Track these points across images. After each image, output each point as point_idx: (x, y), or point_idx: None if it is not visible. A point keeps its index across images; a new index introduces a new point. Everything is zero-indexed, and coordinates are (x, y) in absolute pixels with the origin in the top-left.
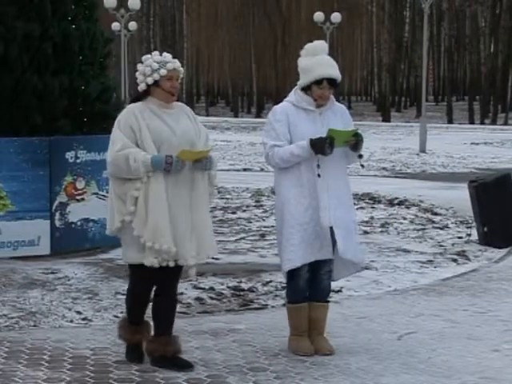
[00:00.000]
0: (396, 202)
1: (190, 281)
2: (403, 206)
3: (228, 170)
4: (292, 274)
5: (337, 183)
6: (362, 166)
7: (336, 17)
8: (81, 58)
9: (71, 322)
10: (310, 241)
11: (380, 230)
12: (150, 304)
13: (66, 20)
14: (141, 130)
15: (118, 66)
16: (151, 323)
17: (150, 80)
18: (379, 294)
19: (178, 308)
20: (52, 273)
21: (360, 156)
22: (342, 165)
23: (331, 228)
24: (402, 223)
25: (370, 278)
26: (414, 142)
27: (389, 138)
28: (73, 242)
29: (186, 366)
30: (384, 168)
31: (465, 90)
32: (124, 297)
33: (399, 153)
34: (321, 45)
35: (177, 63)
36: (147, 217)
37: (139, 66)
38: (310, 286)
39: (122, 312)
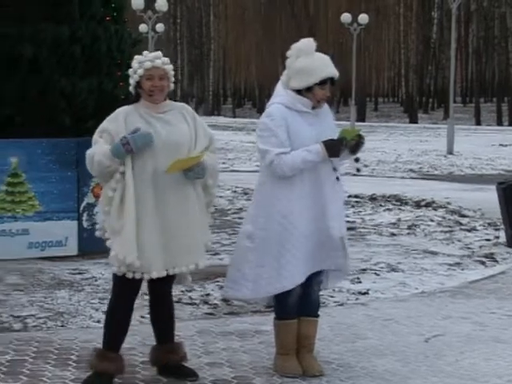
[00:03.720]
0: (423, 203)
1: (183, 287)
2: (430, 208)
3: (254, 172)
4: (286, 290)
5: (333, 189)
6: (358, 169)
7: (363, 18)
8: (109, 59)
9: (98, 322)
10: (315, 252)
11: (407, 231)
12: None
13: (94, 22)
14: (118, 132)
15: None
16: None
17: (132, 82)
18: (406, 296)
19: (206, 309)
20: (79, 273)
21: (356, 159)
22: (333, 170)
23: (341, 238)
24: (429, 225)
25: (397, 280)
26: (442, 143)
27: (416, 139)
28: (100, 242)
29: (191, 374)
30: (411, 170)
31: (493, 92)
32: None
33: (426, 154)
34: (312, 43)
35: (156, 61)
36: (118, 220)
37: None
38: (300, 300)
39: (148, 312)
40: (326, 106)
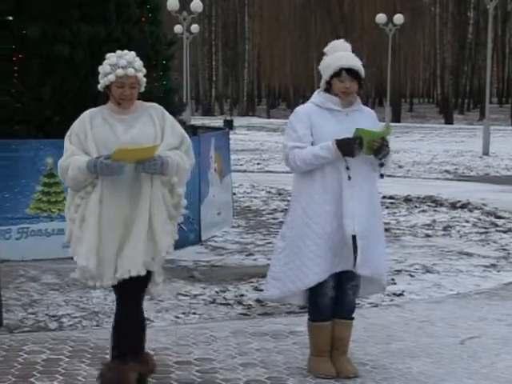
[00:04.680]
0: (459, 205)
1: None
2: (466, 209)
3: (288, 173)
4: (316, 291)
5: (363, 191)
6: (382, 175)
7: (399, 18)
8: (144, 60)
9: None
10: (338, 250)
11: (442, 233)
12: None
13: (129, 23)
14: (86, 137)
15: (180, 68)
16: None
17: (101, 83)
18: (441, 298)
19: (240, 310)
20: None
21: (381, 164)
22: (370, 171)
23: (354, 238)
24: (464, 226)
25: (432, 282)
26: (477, 144)
27: (451, 140)
28: None
29: None
30: (446, 171)
31: None
32: (185, 297)
33: (462, 155)
34: (341, 43)
35: (129, 70)
36: (80, 227)
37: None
38: (334, 303)
39: (183, 313)
40: (368, 110)
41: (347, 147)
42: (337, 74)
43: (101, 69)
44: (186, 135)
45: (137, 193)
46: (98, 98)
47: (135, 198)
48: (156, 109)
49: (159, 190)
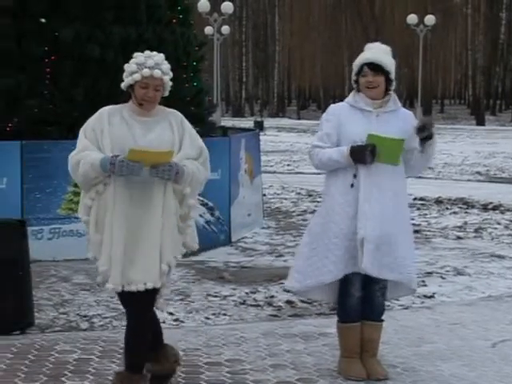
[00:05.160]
0: (490, 206)
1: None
2: (498, 211)
3: (319, 174)
4: (343, 292)
5: (383, 193)
6: (423, 134)
7: (430, 19)
8: (175, 61)
9: (163, 322)
10: (355, 251)
11: (474, 235)
12: None
13: (160, 24)
14: (103, 132)
15: (210, 70)
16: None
17: (125, 82)
18: (473, 300)
19: (270, 311)
20: None
21: (428, 138)
22: (395, 173)
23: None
24: (496, 228)
25: (464, 284)
26: (509, 145)
27: (483, 141)
28: None
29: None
30: (478, 172)
31: None
32: (215, 298)
33: (494, 157)
34: (374, 45)
35: (155, 71)
36: (97, 231)
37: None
38: (362, 304)
39: (213, 314)
40: (405, 112)
41: (358, 154)
42: (360, 70)
43: (127, 67)
44: (205, 147)
45: (148, 198)
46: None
47: (146, 204)
48: (176, 116)
49: (171, 198)
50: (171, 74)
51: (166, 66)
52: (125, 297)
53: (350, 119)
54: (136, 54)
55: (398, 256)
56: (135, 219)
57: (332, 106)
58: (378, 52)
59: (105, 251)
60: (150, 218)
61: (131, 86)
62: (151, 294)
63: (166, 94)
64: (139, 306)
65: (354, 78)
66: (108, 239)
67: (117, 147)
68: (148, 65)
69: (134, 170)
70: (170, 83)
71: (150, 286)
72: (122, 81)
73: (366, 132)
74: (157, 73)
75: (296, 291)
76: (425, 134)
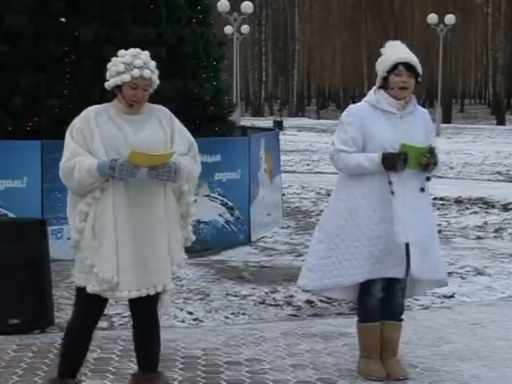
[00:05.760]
0: (511, 206)
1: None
2: None
3: (337, 174)
4: (364, 292)
5: (414, 196)
6: (428, 178)
7: (450, 18)
8: (194, 61)
9: (183, 322)
10: (381, 257)
11: (493, 235)
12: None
13: (180, 24)
14: (93, 135)
15: (230, 69)
16: None
17: (112, 82)
18: (492, 301)
19: (289, 311)
20: None
21: (428, 178)
22: (420, 175)
23: (407, 245)
24: None
25: (483, 284)
26: None
27: (503, 141)
28: None
29: None
30: (498, 172)
31: None
32: (235, 298)
33: None
34: (398, 44)
35: (146, 71)
36: (94, 237)
37: (110, 62)
38: (382, 304)
39: (232, 313)
40: (422, 111)
41: (391, 162)
42: (394, 68)
43: (112, 66)
44: (194, 141)
45: (148, 199)
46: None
47: (147, 204)
48: (164, 112)
49: (171, 196)
50: (157, 72)
51: (153, 63)
52: (94, 300)
53: (374, 122)
54: (122, 53)
55: (435, 256)
56: (138, 221)
57: (352, 106)
58: (409, 52)
59: (109, 258)
60: (153, 219)
61: (118, 86)
62: (156, 297)
63: (152, 91)
64: (99, 312)
65: (383, 74)
66: (111, 245)
67: (110, 150)
68: (137, 64)
69: (133, 173)
70: (158, 81)
71: (167, 287)
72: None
73: (394, 136)
74: (147, 73)
75: (310, 290)
76: (430, 170)
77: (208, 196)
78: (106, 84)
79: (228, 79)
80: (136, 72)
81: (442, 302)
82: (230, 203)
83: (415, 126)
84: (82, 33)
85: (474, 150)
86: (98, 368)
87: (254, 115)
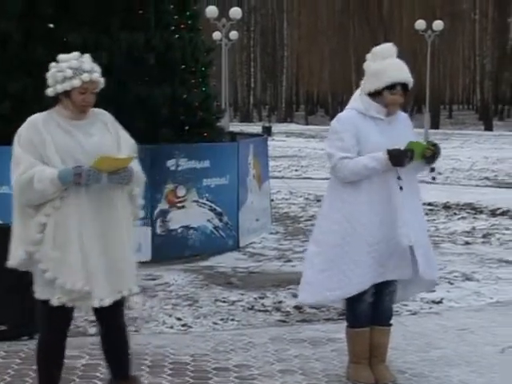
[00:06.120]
0: (498, 212)
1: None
2: (506, 217)
3: (327, 179)
4: (355, 297)
5: (411, 197)
6: (434, 178)
7: (438, 24)
8: (183, 67)
9: (171, 328)
10: (383, 261)
11: (482, 240)
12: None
13: (168, 30)
14: (45, 144)
15: (218, 75)
16: None
17: (59, 88)
18: (481, 306)
19: (278, 316)
20: (152, 279)
21: (432, 169)
22: (414, 176)
23: (410, 246)
24: (504, 234)
25: (472, 290)
26: None
27: (491, 147)
28: (173, 248)
29: None
30: (486, 178)
31: None
32: (223, 304)
33: (502, 162)
34: (389, 48)
35: (95, 74)
36: (55, 247)
37: (52, 67)
38: (372, 309)
39: (221, 319)
40: (403, 115)
41: (399, 158)
42: (390, 87)
43: (56, 72)
44: (135, 144)
45: (109, 203)
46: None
47: (108, 209)
48: (107, 116)
49: (126, 199)
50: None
51: (98, 66)
52: (59, 312)
53: (366, 128)
54: (64, 57)
55: (432, 256)
56: (102, 226)
57: (342, 115)
58: (407, 69)
59: (76, 267)
60: (115, 223)
61: (65, 92)
62: (122, 301)
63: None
64: (68, 322)
65: (378, 89)
66: (76, 254)
67: (66, 157)
68: (86, 69)
69: (99, 179)
70: (103, 83)
71: (135, 290)
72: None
73: (385, 141)
74: (96, 76)
75: (310, 303)
76: (435, 160)
77: (196, 202)
78: (49, 91)
79: (216, 85)
80: (86, 76)
81: (431, 308)
82: (219, 209)
83: (401, 130)
84: (71, 38)
85: (461, 155)
86: (86, 374)
87: (242, 121)
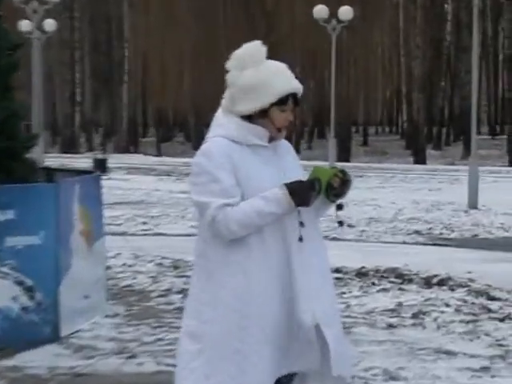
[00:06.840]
0: (435, 281)
1: None
2: (445, 288)
3: (189, 235)
4: None
5: (317, 252)
6: (341, 223)
7: (345, 12)
8: None
9: None
10: (285, 345)
11: (412, 322)
12: None
13: None
14: None
15: (28, 84)
16: None
17: None
18: None
19: None
20: None
21: (339, 206)
22: (317, 222)
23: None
24: (443, 312)
25: None
26: (461, 193)
27: (423, 187)
28: None
29: None
30: (417, 231)
31: None
32: None
33: (439, 209)
34: (258, 48)
35: None
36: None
37: None
38: None
39: None
40: (284, 142)
41: (303, 194)
42: (281, 102)
43: None
44: None
45: None
46: None
47: None
48: None
49: None
50: None
51: None
52: None
53: (247, 162)
54: None
55: (345, 340)
56: None
57: (212, 146)
58: (292, 75)
59: None
60: None
61: None
62: None
63: None
64: None
65: (264, 106)
66: None
67: None
68: None
69: None
70: None
71: None
72: None
73: (272, 175)
74: None
75: None
76: (347, 191)
77: None
78: None
79: (26, 98)
80: None
81: None
82: (29, 281)
83: (290, 161)
84: None
85: (382, 199)
86: None
87: (64, 151)
